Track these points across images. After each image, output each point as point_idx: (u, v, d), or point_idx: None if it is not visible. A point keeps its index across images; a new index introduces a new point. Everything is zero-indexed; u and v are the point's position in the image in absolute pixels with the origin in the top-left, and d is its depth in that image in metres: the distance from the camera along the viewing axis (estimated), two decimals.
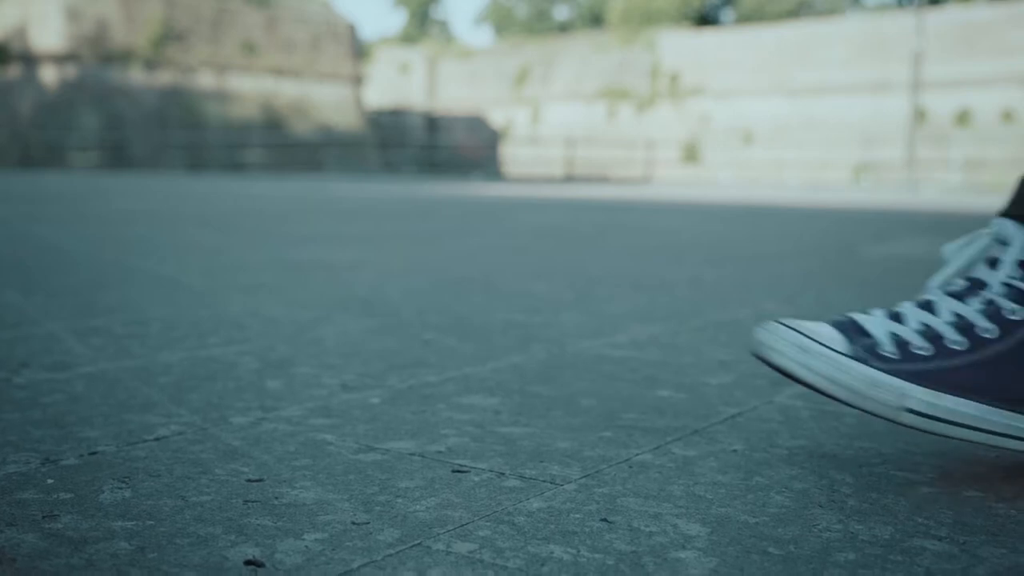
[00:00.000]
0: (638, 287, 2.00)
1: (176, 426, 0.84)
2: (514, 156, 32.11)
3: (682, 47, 30.77)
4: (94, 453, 0.76)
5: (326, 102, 28.86)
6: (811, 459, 0.77)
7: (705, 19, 41.54)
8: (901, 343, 0.70)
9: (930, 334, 0.71)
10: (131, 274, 2.07)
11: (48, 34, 23.65)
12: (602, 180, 22.92)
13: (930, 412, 0.68)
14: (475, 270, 2.29)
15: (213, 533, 0.59)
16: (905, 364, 0.69)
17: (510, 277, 2.15)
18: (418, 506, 0.65)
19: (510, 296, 1.81)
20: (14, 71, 24.02)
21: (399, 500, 0.66)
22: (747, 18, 41.27)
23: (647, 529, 0.62)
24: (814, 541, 0.60)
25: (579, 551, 0.58)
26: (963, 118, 24.62)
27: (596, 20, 47.84)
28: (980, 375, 0.70)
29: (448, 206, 6.47)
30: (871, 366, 0.69)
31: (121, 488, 0.67)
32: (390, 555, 0.56)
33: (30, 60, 23.89)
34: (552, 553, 0.57)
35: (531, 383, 1.05)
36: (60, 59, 23.64)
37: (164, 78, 25.39)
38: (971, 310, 0.72)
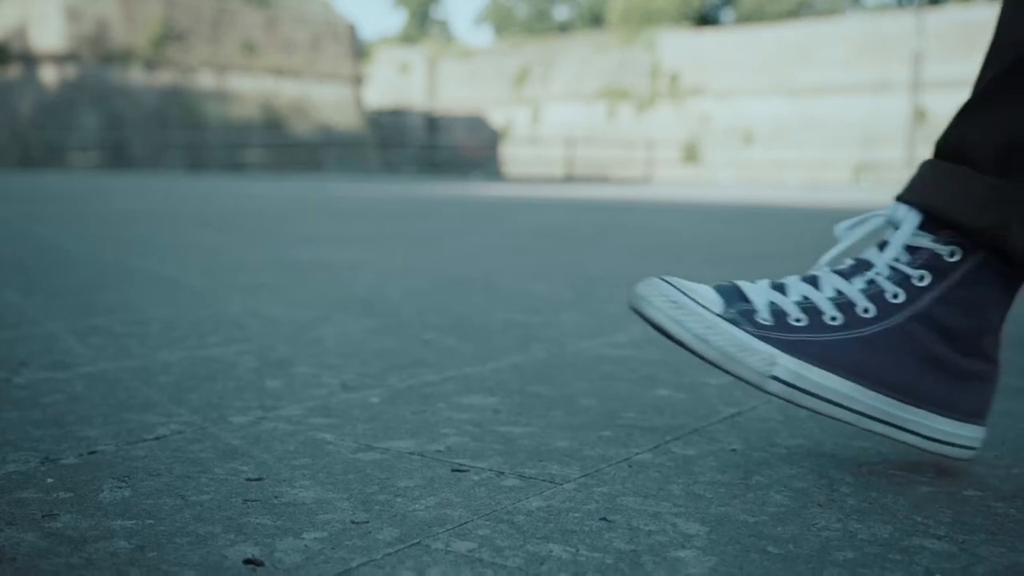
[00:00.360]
0: None
1: (176, 425, 0.84)
2: (514, 156, 32.10)
3: (682, 47, 30.77)
4: (93, 452, 0.76)
5: (326, 102, 28.86)
6: (810, 458, 0.77)
7: (705, 19, 41.53)
8: (778, 312, 0.70)
9: (808, 307, 0.71)
10: (131, 274, 2.07)
11: (48, 34, 23.65)
12: (602, 180, 22.92)
13: (796, 383, 0.68)
14: (475, 270, 2.29)
15: (212, 532, 0.59)
16: (778, 332, 0.69)
17: (510, 277, 2.15)
18: (417, 505, 0.65)
19: (510, 296, 1.81)
20: (14, 71, 24.01)
21: (398, 499, 0.66)
22: (747, 18, 41.27)
23: (646, 528, 0.62)
24: (813, 540, 0.60)
25: (578, 550, 0.58)
26: None
27: (596, 20, 47.85)
28: (852, 353, 0.69)
29: (448, 206, 6.47)
30: (743, 330, 0.69)
31: (121, 487, 0.68)
32: (389, 554, 0.57)
33: (30, 60, 23.88)
34: (551, 552, 0.57)
35: (531, 383, 1.05)
36: (60, 59, 23.63)
37: (164, 78, 25.38)
38: (853, 289, 0.71)
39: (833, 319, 0.70)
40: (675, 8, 39.09)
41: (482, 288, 1.93)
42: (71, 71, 23.78)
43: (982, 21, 25.10)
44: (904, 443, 0.72)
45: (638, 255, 2.84)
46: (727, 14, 44.81)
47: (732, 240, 3.65)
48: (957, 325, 0.70)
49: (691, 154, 29.64)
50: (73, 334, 1.29)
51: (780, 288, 0.72)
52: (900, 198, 0.73)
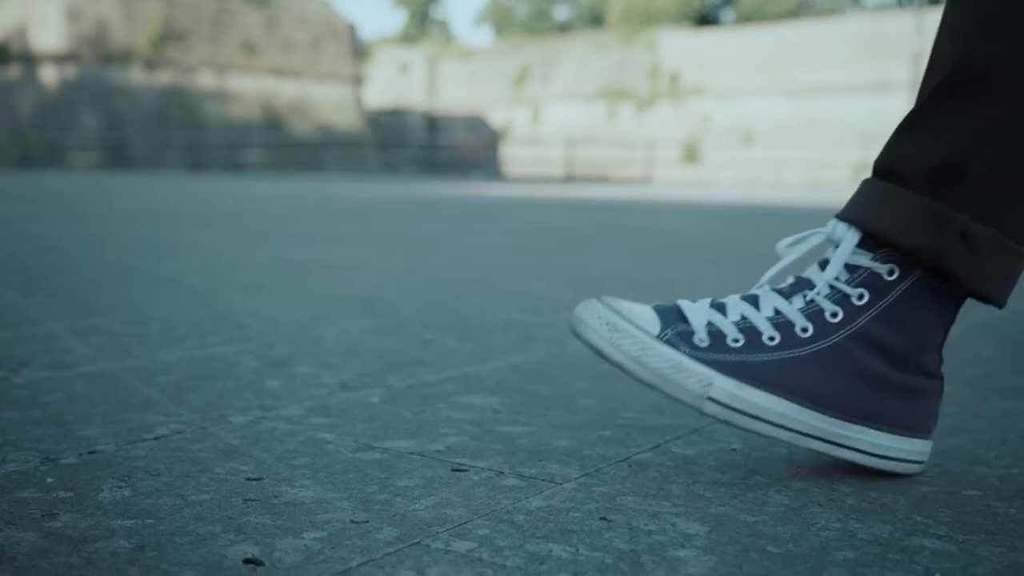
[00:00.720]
0: (638, 287, 2.00)
1: (175, 425, 0.84)
2: (514, 156, 32.10)
3: (682, 47, 30.76)
4: (93, 452, 0.76)
5: (326, 102, 28.85)
6: (810, 457, 0.77)
7: (705, 19, 41.53)
8: (715, 333, 0.70)
9: (746, 327, 0.70)
10: (131, 274, 2.07)
11: (48, 34, 23.64)
12: (602, 180, 22.91)
13: (732, 404, 0.68)
14: (475, 270, 2.29)
15: (212, 532, 0.59)
16: (715, 353, 0.69)
17: (510, 277, 2.15)
18: (417, 505, 0.65)
19: (510, 296, 1.81)
20: (14, 71, 24.01)
21: (398, 499, 0.66)
22: (747, 18, 41.26)
23: (646, 528, 0.62)
24: (813, 539, 0.60)
25: (578, 550, 0.58)
26: None
27: (596, 20, 47.84)
28: (789, 373, 0.69)
29: (448, 206, 6.47)
30: (680, 351, 0.68)
31: (120, 487, 0.68)
32: (389, 554, 0.57)
33: (30, 60, 23.87)
34: (551, 552, 0.57)
35: (530, 382, 1.05)
36: (60, 59, 23.62)
37: (164, 78, 25.38)
38: (792, 308, 0.71)
39: (771, 339, 0.70)
40: (675, 8, 39.09)
41: (482, 288, 1.93)
42: (71, 71, 23.78)
43: None
44: (846, 460, 0.71)
45: (638, 255, 2.84)
46: (727, 14, 44.80)
47: (732, 240, 3.65)
48: (895, 343, 0.70)
49: (691, 154, 29.64)
50: (73, 334, 1.29)
51: (720, 308, 0.72)
52: (839, 216, 0.73)
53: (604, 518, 0.63)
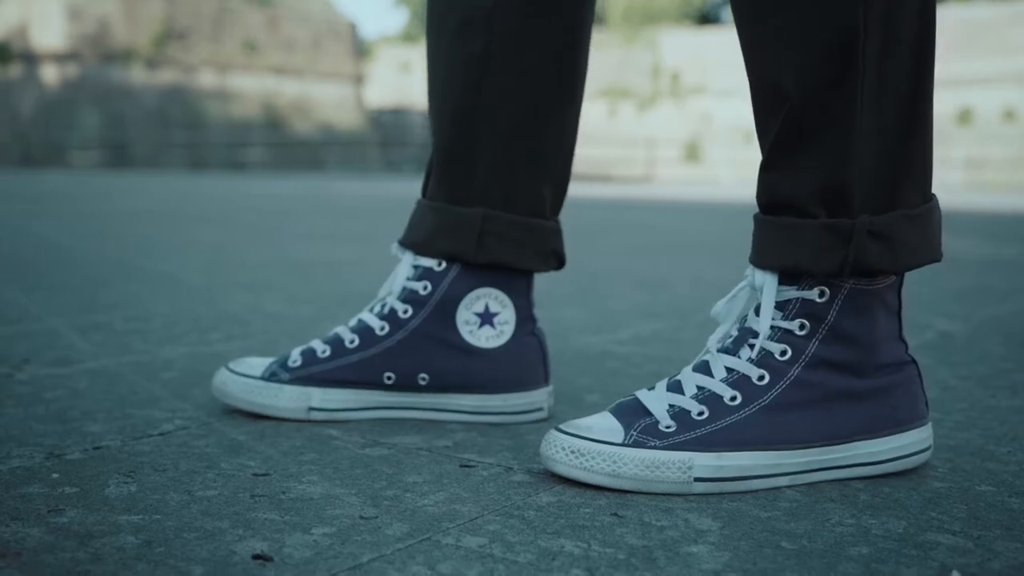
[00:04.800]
0: (640, 284, 1.99)
1: (180, 420, 0.84)
2: None
3: (683, 46, 30.77)
4: (99, 448, 0.75)
5: (327, 101, 28.85)
6: None
7: (706, 18, 41.54)
8: (679, 413, 0.69)
9: (706, 396, 0.69)
10: (132, 271, 2.06)
11: (49, 33, 23.63)
12: (603, 179, 22.91)
13: (719, 475, 0.67)
14: None
15: (220, 527, 0.59)
16: (684, 434, 0.67)
17: None
18: (426, 500, 0.64)
19: None
20: (15, 70, 24.01)
21: (407, 494, 0.65)
22: None
23: (658, 523, 0.61)
24: (827, 535, 0.60)
25: (590, 545, 0.57)
26: (964, 117, 24.62)
27: (597, 19, 47.84)
28: (761, 425, 0.68)
29: None
30: (649, 448, 0.67)
31: (127, 482, 0.67)
32: (399, 549, 0.56)
33: (31, 59, 23.87)
34: (563, 547, 0.57)
35: None
36: (61, 58, 23.62)
37: (165, 77, 25.37)
38: (742, 362, 0.70)
39: (733, 399, 0.69)
40: (676, 7, 39.10)
41: None
42: (72, 70, 23.77)
43: (983, 20, 25.11)
44: (856, 478, 0.70)
45: (640, 253, 2.83)
46: (728, 13, 44.83)
47: (734, 238, 3.64)
48: (848, 356, 0.70)
49: (692, 153, 29.65)
50: (75, 330, 1.29)
51: (676, 387, 0.71)
52: (751, 261, 0.73)
53: (615, 514, 0.62)
